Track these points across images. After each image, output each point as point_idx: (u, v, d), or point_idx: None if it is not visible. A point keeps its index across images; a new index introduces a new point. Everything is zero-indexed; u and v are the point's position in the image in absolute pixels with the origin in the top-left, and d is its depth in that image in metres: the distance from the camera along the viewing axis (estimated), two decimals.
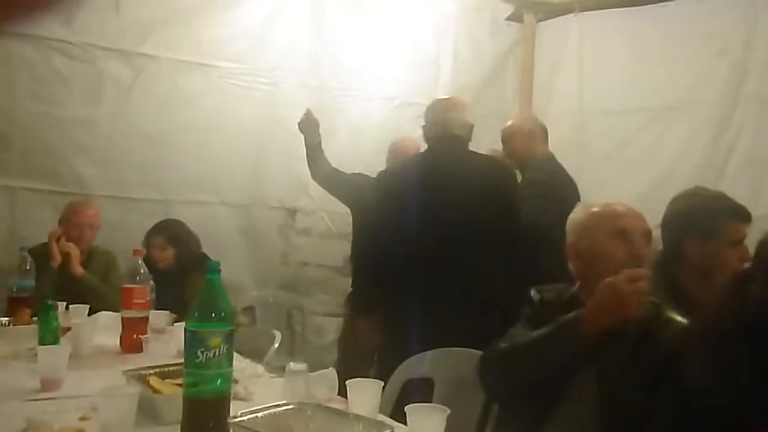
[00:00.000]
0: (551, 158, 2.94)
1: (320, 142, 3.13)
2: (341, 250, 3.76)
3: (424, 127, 2.63)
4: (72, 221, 2.90)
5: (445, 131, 2.54)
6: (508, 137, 3.02)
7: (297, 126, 3.09)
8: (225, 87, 3.57)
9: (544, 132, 3.01)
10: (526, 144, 2.95)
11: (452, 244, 2.31)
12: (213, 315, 1.22)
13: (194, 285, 2.57)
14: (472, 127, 2.65)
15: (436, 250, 2.30)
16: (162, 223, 3.11)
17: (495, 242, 2.35)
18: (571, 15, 4.13)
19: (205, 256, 2.98)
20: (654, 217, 1.95)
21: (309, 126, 3.09)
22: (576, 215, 1.64)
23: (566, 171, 2.90)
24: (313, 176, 3.20)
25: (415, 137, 3.11)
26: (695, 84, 3.62)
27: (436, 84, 4.20)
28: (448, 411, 1.26)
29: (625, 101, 3.85)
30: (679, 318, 1.45)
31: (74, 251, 2.82)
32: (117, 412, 1.19)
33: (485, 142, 4.03)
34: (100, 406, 1.20)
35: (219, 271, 1.26)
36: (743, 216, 1.84)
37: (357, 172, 3.20)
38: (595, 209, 1.62)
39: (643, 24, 3.82)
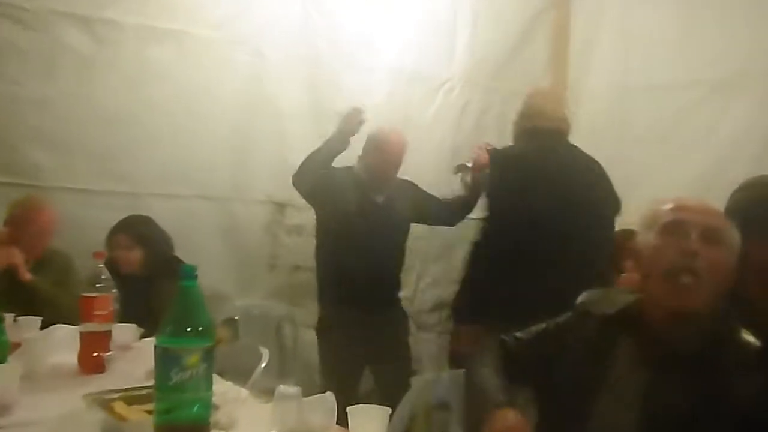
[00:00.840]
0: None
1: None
2: None
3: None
4: (22, 229, 2.89)
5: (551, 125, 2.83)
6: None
7: (338, 124, 3.15)
8: (203, 59, 3.56)
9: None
10: None
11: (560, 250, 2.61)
12: (189, 329, 1.22)
13: (165, 293, 2.52)
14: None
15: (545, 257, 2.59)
16: (127, 219, 3.11)
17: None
18: None
19: (178, 260, 2.98)
20: None
21: (352, 129, 3.13)
22: (642, 212, 1.65)
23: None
24: (301, 181, 3.18)
25: (398, 128, 3.26)
26: (757, 52, 3.60)
27: (452, 54, 4.22)
28: (390, 410, 1.31)
29: (675, 73, 3.86)
30: (752, 339, 1.45)
31: (18, 259, 2.82)
32: None
33: (512, 121, 4.03)
34: None
35: (195, 276, 1.27)
36: None
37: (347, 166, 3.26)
38: (656, 203, 1.61)
39: None
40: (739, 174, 2.01)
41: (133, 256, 3.03)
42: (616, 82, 4.11)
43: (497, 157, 2.92)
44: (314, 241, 3.38)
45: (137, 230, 3.07)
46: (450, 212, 3.45)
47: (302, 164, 3.15)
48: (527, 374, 1.65)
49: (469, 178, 3.30)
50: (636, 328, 1.53)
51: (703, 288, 1.44)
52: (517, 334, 1.72)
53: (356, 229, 3.13)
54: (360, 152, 3.28)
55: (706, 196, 1.85)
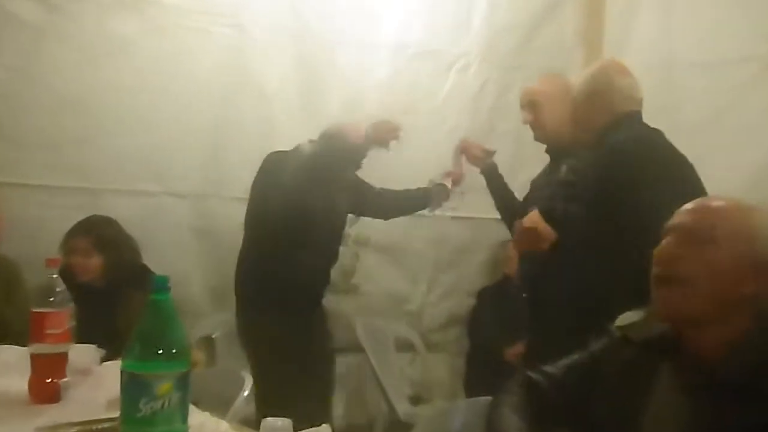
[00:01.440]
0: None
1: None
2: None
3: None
4: None
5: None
6: None
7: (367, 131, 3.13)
8: (173, 31, 3.58)
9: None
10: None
11: None
12: (160, 351, 1.22)
13: (131, 308, 2.55)
14: None
15: None
16: (86, 220, 3.11)
17: None
18: None
19: (145, 269, 2.98)
20: None
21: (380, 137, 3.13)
22: None
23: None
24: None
25: (357, 122, 3.22)
26: None
27: (467, 26, 4.24)
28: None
29: (729, 48, 3.87)
30: None
31: None
32: None
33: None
34: None
35: (168, 289, 1.26)
36: None
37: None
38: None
39: None
40: None
41: (92, 264, 3.02)
42: (659, 59, 4.11)
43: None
44: None
45: (97, 233, 3.07)
46: (387, 205, 3.47)
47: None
48: (560, 412, 1.67)
49: (443, 196, 3.36)
50: (676, 353, 1.56)
51: (694, 294, 1.49)
52: (546, 369, 1.74)
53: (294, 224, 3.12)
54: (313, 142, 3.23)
55: (764, 190, 1.85)
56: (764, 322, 1.49)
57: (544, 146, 3.23)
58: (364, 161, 3.21)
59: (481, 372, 3.68)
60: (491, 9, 4.24)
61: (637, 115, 2.77)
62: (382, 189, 3.44)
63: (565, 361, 1.75)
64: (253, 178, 3.56)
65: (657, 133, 2.74)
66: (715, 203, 1.58)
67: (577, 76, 2.94)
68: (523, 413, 1.63)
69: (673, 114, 4.01)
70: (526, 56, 4.33)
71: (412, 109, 3.56)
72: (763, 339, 1.47)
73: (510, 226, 3.25)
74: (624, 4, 4.30)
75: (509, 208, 3.28)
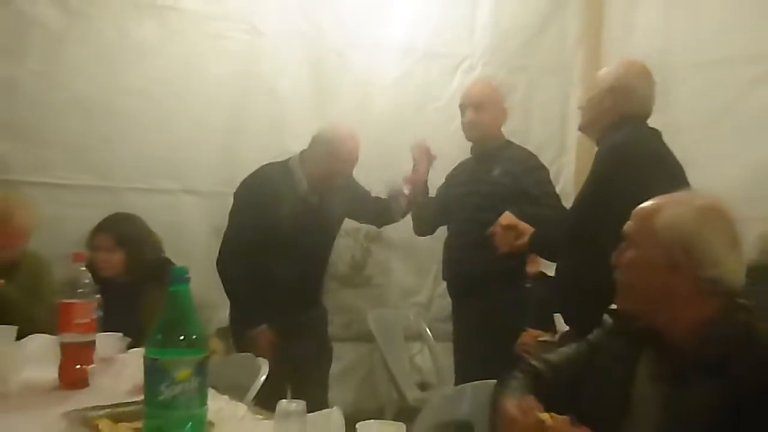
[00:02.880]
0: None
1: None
2: (344, 252, 3.78)
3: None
4: None
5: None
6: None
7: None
8: (190, 36, 3.60)
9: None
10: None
11: None
12: (180, 338, 1.24)
13: (153, 300, 2.60)
14: None
15: None
16: (110, 218, 3.14)
17: None
18: None
19: (168, 262, 3.01)
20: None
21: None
22: None
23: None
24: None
25: (354, 130, 3.24)
26: None
27: (473, 28, 4.23)
28: (404, 426, 1.32)
29: (729, 46, 3.84)
30: None
31: None
32: None
33: (539, 106, 4.05)
34: None
35: (187, 280, 1.28)
36: None
37: None
38: None
39: None
40: None
41: (115, 259, 3.05)
42: (659, 60, 4.00)
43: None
44: None
45: (120, 230, 3.09)
46: (380, 213, 3.50)
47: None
48: (559, 398, 1.68)
49: (403, 204, 3.37)
50: (656, 342, 1.59)
51: (630, 292, 1.61)
52: (548, 357, 1.79)
53: (285, 230, 3.13)
54: (304, 150, 3.26)
55: (764, 189, 1.87)
56: (730, 313, 1.52)
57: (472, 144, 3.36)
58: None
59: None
60: (495, 13, 4.23)
61: (639, 119, 2.73)
62: (377, 197, 3.46)
63: (564, 349, 1.80)
64: None
65: (655, 134, 2.73)
66: (645, 208, 1.63)
67: (600, 72, 2.88)
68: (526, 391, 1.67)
69: (673, 113, 3.98)
70: (527, 58, 4.33)
71: (420, 108, 3.57)
72: (728, 329, 1.49)
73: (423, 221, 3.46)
74: (623, 6, 4.27)
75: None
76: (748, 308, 1.52)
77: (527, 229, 2.83)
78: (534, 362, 1.80)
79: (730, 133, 3.80)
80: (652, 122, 3.49)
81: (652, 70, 4.01)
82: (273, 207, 3.11)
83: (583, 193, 2.73)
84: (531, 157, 3.38)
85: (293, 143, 3.34)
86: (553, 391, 1.71)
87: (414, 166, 3.36)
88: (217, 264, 3.17)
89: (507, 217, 2.89)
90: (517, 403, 1.59)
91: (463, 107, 3.35)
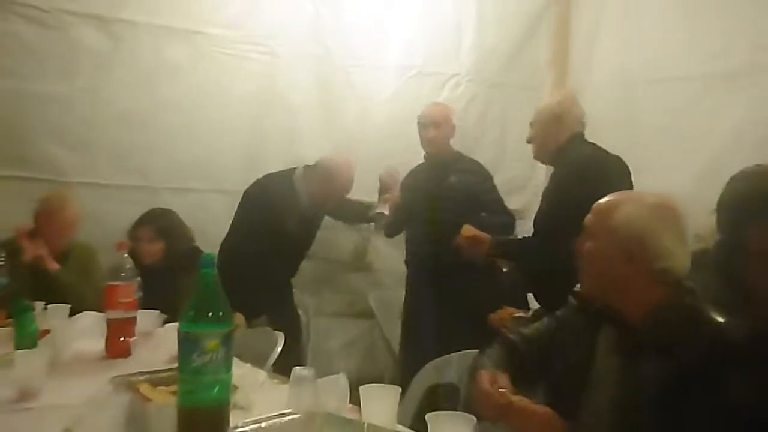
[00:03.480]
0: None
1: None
2: (349, 242, 3.78)
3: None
4: (47, 222, 2.92)
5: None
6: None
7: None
8: (216, 57, 3.59)
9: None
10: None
11: None
12: (209, 314, 1.24)
13: (186, 283, 2.58)
14: None
15: None
16: (150, 212, 3.14)
17: None
18: None
19: (198, 251, 3.01)
20: (714, 200, 1.95)
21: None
22: None
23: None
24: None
25: (350, 159, 3.29)
26: (759, 46, 3.58)
27: (458, 50, 4.22)
28: (475, 420, 1.28)
29: (678, 67, 3.82)
30: (714, 318, 1.46)
31: (43, 250, 2.85)
32: (104, 423, 1.22)
33: (516, 119, 4.04)
34: (85, 418, 1.23)
35: (214, 264, 1.29)
36: None
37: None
38: None
39: None
40: (740, 166, 2.02)
41: (155, 248, 3.05)
42: (618, 77, 4.06)
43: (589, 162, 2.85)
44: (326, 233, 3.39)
45: (159, 223, 3.09)
46: (358, 217, 3.52)
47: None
48: (531, 367, 1.70)
49: (383, 221, 3.38)
50: (613, 321, 1.58)
51: (588, 276, 1.60)
52: (522, 331, 1.79)
53: (280, 239, 3.12)
54: (308, 169, 3.27)
55: (707, 188, 1.87)
56: (680, 293, 1.51)
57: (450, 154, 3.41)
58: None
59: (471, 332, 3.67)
60: (478, 38, 4.22)
61: (581, 135, 2.86)
62: (356, 200, 3.48)
63: (536, 325, 1.79)
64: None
65: (596, 146, 2.84)
66: (604, 204, 1.61)
67: (543, 103, 3.01)
68: (501, 365, 1.66)
69: (630, 124, 3.98)
70: (505, 76, 4.31)
71: (413, 119, 3.56)
72: (678, 308, 1.48)
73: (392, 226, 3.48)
74: (586, 31, 4.25)
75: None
76: (694, 292, 1.51)
77: (486, 238, 2.93)
78: (510, 335, 1.79)
79: (679, 142, 3.78)
80: (614, 132, 3.55)
81: (612, 87, 4.07)
82: (270, 216, 3.11)
83: (555, 200, 2.78)
84: (480, 167, 3.48)
85: (305, 150, 3.36)
86: (526, 361, 1.71)
87: (387, 190, 3.36)
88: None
89: (468, 230, 2.98)
90: (492, 378, 1.57)
91: (424, 125, 3.40)
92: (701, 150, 3.67)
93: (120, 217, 3.18)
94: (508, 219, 3.40)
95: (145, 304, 2.25)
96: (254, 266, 3.01)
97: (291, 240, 3.17)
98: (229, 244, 3.20)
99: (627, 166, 2.78)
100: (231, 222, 3.25)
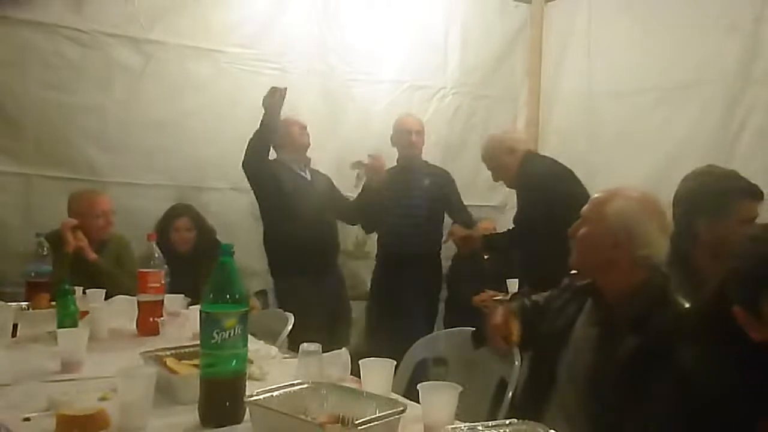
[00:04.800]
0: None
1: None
2: (350, 234, 3.77)
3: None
4: (85, 216, 2.90)
5: None
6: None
7: (262, 102, 3.02)
8: (234, 72, 3.57)
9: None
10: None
11: None
12: (227, 297, 1.24)
13: (208, 270, 2.58)
14: None
15: None
16: (182, 206, 3.15)
17: None
18: None
19: (219, 242, 2.98)
20: (664, 199, 1.95)
21: (275, 103, 2.99)
22: None
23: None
24: (248, 166, 3.11)
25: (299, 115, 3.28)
26: (705, 62, 3.57)
27: (445, 67, 4.20)
28: (461, 388, 1.27)
29: (634, 81, 3.82)
30: (681, 301, 1.47)
31: (83, 242, 2.83)
32: (136, 392, 1.22)
33: (496, 126, 4.03)
34: (120, 387, 1.22)
35: (232, 253, 1.28)
36: (755, 194, 1.84)
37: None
38: None
39: (652, 2, 3.78)
40: (687, 169, 2.03)
41: (190, 237, 3.06)
42: (583, 90, 4.08)
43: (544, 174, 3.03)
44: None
45: (193, 214, 3.11)
46: (353, 214, 3.41)
47: (247, 150, 3.06)
48: (528, 327, 1.73)
49: (362, 174, 3.25)
50: (596, 296, 1.59)
51: (579, 256, 1.61)
52: (533, 297, 1.82)
53: (297, 203, 3.08)
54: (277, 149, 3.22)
55: (660, 187, 1.87)
56: (655, 277, 1.52)
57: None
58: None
59: (456, 312, 3.69)
60: (462, 55, 4.21)
61: (531, 152, 3.12)
62: (351, 199, 3.40)
63: (544, 293, 1.81)
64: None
65: (548, 158, 3.14)
66: (599, 197, 1.62)
67: (488, 144, 3.18)
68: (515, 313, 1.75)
69: (593, 131, 4.00)
70: (487, 89, 4.30)
71: None
72: (651, 290, 1.50)
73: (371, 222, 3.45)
74: (556, 51, 4.26)
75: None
76: (667, 277, 1.52)
77: (478, 235, 3.10)
78: (524, 298, 1.84)
79: (634, 147, 3.79)
80: (579, 137, 3.58)
81: (578, 98, 4.07)
82: (281, 186, 3.09)
83: (527, 208, 2.97)
84: (447, 173, 3.58)
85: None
86: (528, 318, 1.75)
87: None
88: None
89: (459, 230, 3.13)
90: (504, 316, 1.71)
91: (408, 132, 3.43)
92: (654, 154, 3.68)
93: (149, 212, 3.18)
94: (468, 217, 3.49)
95: (175, 287, 2.24)
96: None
97: (300, 200, 3.08)
98: (269, 225, 3.19)
99: (573, 173, 2.99)
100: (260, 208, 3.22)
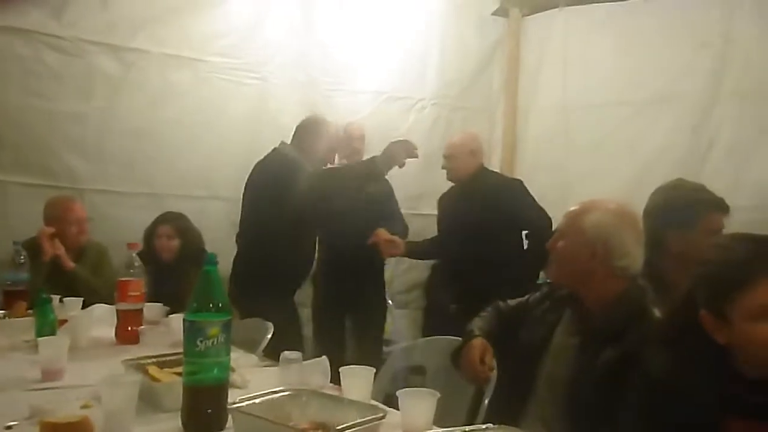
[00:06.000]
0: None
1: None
2: None
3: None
4: (60, 224, 2.87)
5: None
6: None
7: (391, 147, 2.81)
8: (215, 82, 3.56)
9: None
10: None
11: None
12: (211, 305, 1.25)
13: (193, 279, 2.56)
14: None
15: None
16: (169, 213, 3.10)
17: None
18: (556, 9, 4.17)
19: (204, 251, 2.96)
20: (639, 207, 2.00)
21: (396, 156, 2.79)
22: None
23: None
24: None
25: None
26: (677, 77, 3.68)
27: (424, 79, 4.24)
28: (438, 395, 1.30)
29: (609, 94, 3.90)
30: (654, 311, 1.50)
31: (61, 250, 2.81)
32: (119, 400, 1.22)
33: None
34: (104, 395, 1.23)
35: (216, 263, 1.30)
36: (721, 207, 1.90)
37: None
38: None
39: (626, 18, 3.87)
40: (659, 181, 2.09)
41: (173, 245, 3.00)
42: (558, 102, 4.13)
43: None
44: None
45: (178, 223, 3.04)
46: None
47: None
48: (508, 330, 1.73)
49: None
50: (574, 307, 1.61)
51: (557, 268, 1.63)
52: (509, 301, 1.82)
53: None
54: (294, 137, 3.12)
55: (634, 197, 1.92)
56: (633, 288, 1.54)
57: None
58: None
59: (434, 321, 3.70)
60: (441, 67, 4.25)
61: (484, 166, 3.24)
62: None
63: (520, 299, 1.81)
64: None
65: (498, 173, 3.37)
66: (575, 210, 1.62)
67: (456, 140, 3.24)
68: (490, 325, 1.75)
69: (568, 143, 4.06)
70: (464, 100, 4.35)
71: (385, 138, 3.56)
72: (629, 301, 1.52)
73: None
74: (533, 64, 4.31)
75: None
76: (644, 289, 1.54)
77: (400, 241, 3.09)
78: (500, 302, 1.83)
79: (607, 159, 3.86)
80: (554, 149, 3.65)
81: (554, 111, 4.14)
82: (282, 189, 2.87)
83: (484, 216, 3.01)
84: (388, 182, 3.34)
85: None
86: (504, 323, 1.75)
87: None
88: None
89: (384, 233, 3.06)
90: (482, 352, 1.63)
91: (352, 138, 3.32)
92: (628, 165, 3.75)
93: (129, 220, 3.15)
94: (404, 227, 3.36)
95: (156, 295, 2.23)
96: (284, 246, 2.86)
97: (312, 210, 2.91)
98: (249, 234, 3.02)
99: (524, 185, 3.14)
100: (240, 219, 3.11)
